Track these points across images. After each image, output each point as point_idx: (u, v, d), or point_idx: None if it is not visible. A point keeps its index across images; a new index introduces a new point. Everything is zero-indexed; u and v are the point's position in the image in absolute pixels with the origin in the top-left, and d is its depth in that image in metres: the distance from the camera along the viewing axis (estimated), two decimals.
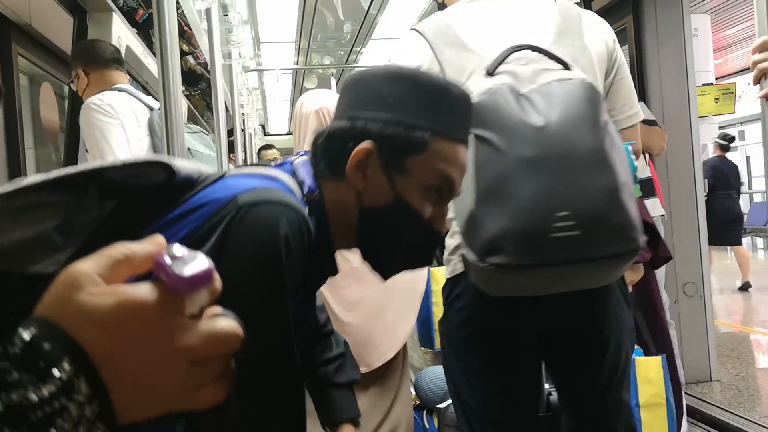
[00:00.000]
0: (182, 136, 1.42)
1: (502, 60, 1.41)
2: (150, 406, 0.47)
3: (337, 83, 7.46)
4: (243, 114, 5.41)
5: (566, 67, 1.38)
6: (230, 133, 4.37)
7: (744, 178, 17.07)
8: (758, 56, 1.57)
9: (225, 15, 3.08)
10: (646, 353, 2.88)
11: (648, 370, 2.78)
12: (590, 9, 3.91)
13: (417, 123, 1.00)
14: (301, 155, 1.08)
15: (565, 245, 1.27)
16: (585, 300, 1.47)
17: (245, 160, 5.47)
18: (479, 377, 1.59)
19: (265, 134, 10.58)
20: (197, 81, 5.76)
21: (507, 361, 1.56)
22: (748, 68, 1.62)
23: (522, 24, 1.52)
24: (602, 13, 4.11)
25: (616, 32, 3.39)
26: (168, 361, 0.46)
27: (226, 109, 4.05)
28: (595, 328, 1.53)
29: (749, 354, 5.59)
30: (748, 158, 16.89)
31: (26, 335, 0.44)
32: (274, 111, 10.65)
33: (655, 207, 3.48)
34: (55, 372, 0.43)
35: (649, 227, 2.82)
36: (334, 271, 1.11)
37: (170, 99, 1.39)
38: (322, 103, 2.24)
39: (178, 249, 0.47)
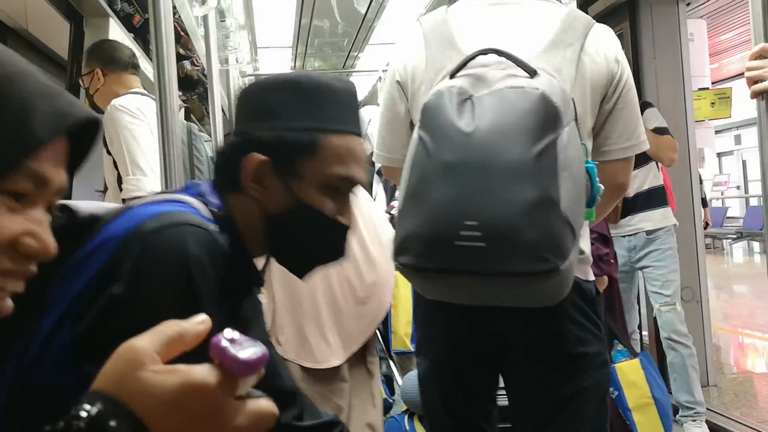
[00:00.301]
0: (178, 141, 1.42)
1: (465, 63, 1.38)
2: None
3: None
4: None
5: (533, 75, 1.32)
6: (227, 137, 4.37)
7: (740, 182, 17.17)
8: (753, 63, 1.58)
9: (222, 21, 3.08)
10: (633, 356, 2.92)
11: (629, 373, 2.82)
12: (587, 15, 3.91)
13: (303, 125, 1.02)
14: None
15: (469, 255, 1.23)
16: (526, 316, 1.42)
17: None
18: (429, 378, 1.62)
19: None
20: (195, 86, 5.76)
21: (448, 364, 1.57)
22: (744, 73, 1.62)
23: (517, 29, 1.48)
24: (599, 18, 4.11)
25: None
26: None
27: (224, 114, 4.05)
28: (539, 349, 1.48)
29: (746, 358, 5.59)
30: (744, 162, 16.95)
31: (92, 411, 0.45)
32: None
33: (666, 216, 3.48)
34: None
35: (608, 240, 2.87)
36: (259, 281, 1.11)
37: (166, 104, 1.38)
38: None
39: (231, 332, 0.50)
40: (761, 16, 1.55)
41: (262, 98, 1.05)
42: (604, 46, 1.49)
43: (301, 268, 1.13)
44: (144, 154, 2.53)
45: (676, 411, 3.39)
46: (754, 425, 3.51)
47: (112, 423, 0.45)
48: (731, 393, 4.26)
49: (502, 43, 1.39)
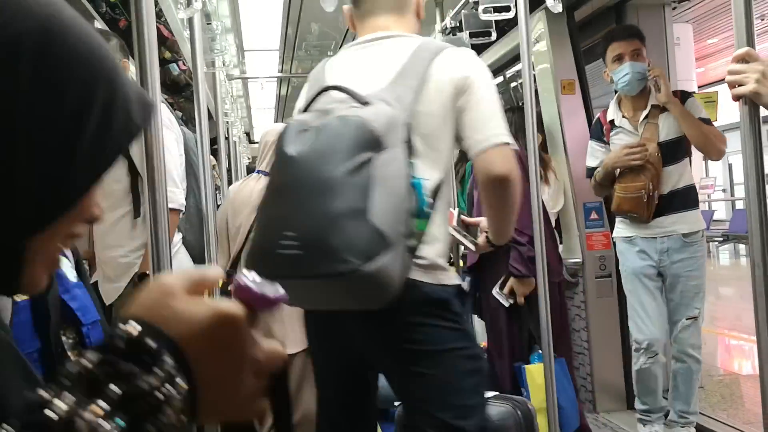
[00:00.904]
0: (161, 146, 1.40)
1: (312, 99, 1.65)
2: (220, 411, 0.54)
3: None
4: (227, 122, 5.39)
5: (365, 105, 1.54)
6: (214, 141, 4.35)
7: (726, 185, 17.29)
8: (734, 67, 1.59)
9: (208, 23, 3.06)
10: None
11: (537, 376, 2.84)
12: (573, 20, 3.92)
13: None
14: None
15: (288, 262, 1.43)
16: (376, 318, 1.57)
17: (229, 169, 5.45)
18: (317, 382, 1.85)
19: (251, 142, 10.57)
20: (182, 89, 5.74)
21: (325, 368, 1.80)
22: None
23: (376, 65, 1.69)
24: (585, 23, 4.14)
25: (599, 42, 3.34)
26: (241, 370, 0.53)
27: (210, 117, 4.03)
28: (394, 348, 1.63)
29: (733, 361, 5.63)
30: (730, 165, 17.07)
31: (132, 331, 0.49)
32: (259, 119, 10.62)
33: (700, 219, 3.24)
34: (161, 364, 0.48)
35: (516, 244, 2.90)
36: None
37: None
38: None
39: (251, 274, 0.56)
40: (743, 21, 1.56)
41: None
42: (450, 67, 1.65)
43: None
44: (176, 166, 2.54)
45: (666, 413, 3.39)
46: (740, 427, 3.53)
47: (151, 342, 0.48)
48: (718, 395, 4.29)
49: (362, 80, 1.64)
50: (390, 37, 1.76)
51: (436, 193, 1.63)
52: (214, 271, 0.57)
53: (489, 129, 1.64)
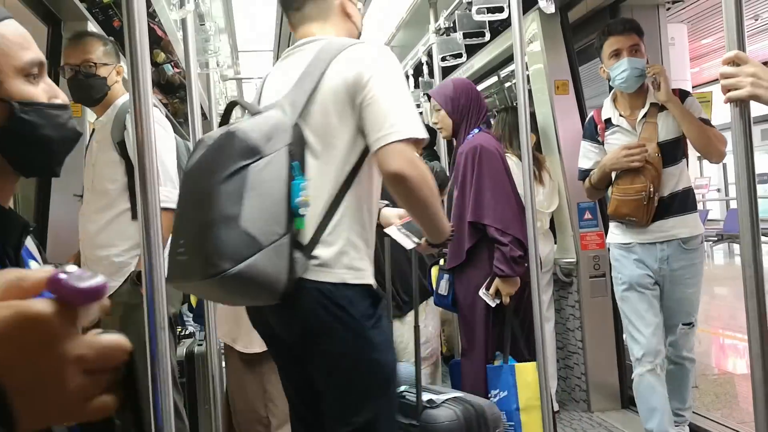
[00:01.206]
0: (153, 146, 1.40)
1: (227, 112, 1.82)
2: (47, 416, 0.51)
3: None
4: None
5: (255, 114, 1.68)
6: None
7: (721, 185, 17.34)
8: (727, 70, 1.60)
9: (201, 24, 3.05)
10: (520, 360, 2.95)
11: (527, 374, 2.82)
12: (567, 20, 3.93)
13: None
14: None
15: (181, 267, 1.57)
16: (280, 314, 1.72)
17: None
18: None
19: None
20: (177, 89, 5.72)
21: (277, 361, 1.95)
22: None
23: (290, 73, 1.77)
24: (579, 24, 4.15)
25: (594, 41, 3.35)
26: (63, 370, 0.50)
27: (205, 118, 4.02)
28: (298, 342, 1.73)
29: (727, 360, 5.64)
30: (724, 165, 17.12)
31: None
32: None
33: (698, 222, 3.10)
34: None
35: (523, 245, 2.90)
36: (16, 224, 1.02)
37: (141, 109, 1.37)
38: None
39: (71, 267, 0.52)
40: (734, 23, 1.57)
41: None
42: (345, 66, 1.69)
43: (51, 166, 1.08)
44: (173, 167, 2.55)
45: None
46: (734, 426, 3.54)
47: None
48: (712, 394, 4.30)
49: (280, 88, 1.75)
50: (309, 42, 1.83)
51: (344, 190, 1.66)
52: (37, 272, 0.53)
53: (385, 127, 1.63)
